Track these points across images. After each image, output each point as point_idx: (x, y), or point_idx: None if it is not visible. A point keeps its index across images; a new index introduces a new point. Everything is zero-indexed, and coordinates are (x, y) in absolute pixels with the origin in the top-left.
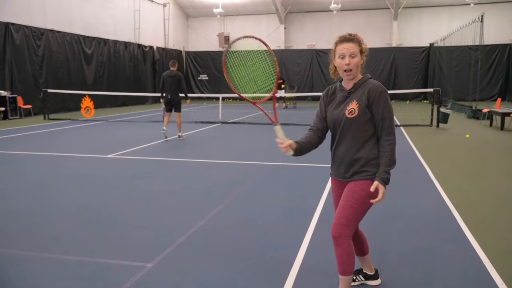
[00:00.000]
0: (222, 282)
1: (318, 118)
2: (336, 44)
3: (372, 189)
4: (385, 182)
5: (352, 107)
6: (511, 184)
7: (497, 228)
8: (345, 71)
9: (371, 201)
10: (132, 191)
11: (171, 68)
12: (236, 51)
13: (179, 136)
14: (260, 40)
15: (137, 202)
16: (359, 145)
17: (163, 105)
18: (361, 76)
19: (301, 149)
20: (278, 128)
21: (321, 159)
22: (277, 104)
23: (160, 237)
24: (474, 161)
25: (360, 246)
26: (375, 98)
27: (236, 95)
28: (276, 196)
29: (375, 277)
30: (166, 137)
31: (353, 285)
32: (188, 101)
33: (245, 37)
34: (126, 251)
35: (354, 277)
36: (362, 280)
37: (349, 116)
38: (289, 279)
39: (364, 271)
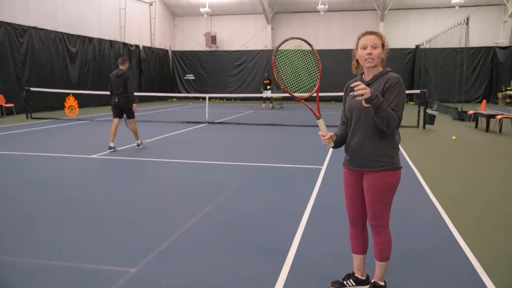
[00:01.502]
0: (210, 287)
1: (343, 112)
2: (359, 38)
3: (357, 84)
4: (373, 96)
5: None
6: (500, 186)
7: (488, 231)
8: (366, 59)
9: (352, 93)
10: (116, 192)
11: (120, 67)
12: (284, 50)
13: (138, 145)
14: (305, 41)
15: (121, 204)
16: (374, 136)
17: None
18: (382, 69)
19: (340, 141)
20: (321, 122)
21: (308, 161)
22: (263, 105)
23: (145, 240)
24: (462, 163)
25: (361, 242)
26: (389, 86)
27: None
28: (265, 198)
29: (366, 282)
30: (114, 150)
31: None
32: (135, 106)
33: (291, 38)
34: (109, 255)
35: (345, 282)
36: (352, 284)
37: (365, 104)
38: (279, 282)
39: (355, 275)
